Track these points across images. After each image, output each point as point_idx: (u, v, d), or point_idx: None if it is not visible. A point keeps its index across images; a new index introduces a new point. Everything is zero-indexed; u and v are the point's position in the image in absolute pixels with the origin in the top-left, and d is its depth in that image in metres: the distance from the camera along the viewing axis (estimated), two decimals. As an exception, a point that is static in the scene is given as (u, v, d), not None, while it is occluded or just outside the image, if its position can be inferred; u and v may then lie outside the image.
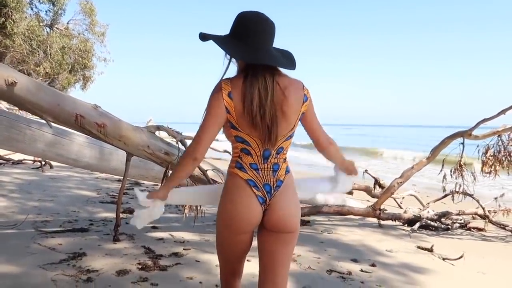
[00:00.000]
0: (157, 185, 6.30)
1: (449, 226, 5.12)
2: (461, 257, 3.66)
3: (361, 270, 3.30)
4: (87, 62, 23.43)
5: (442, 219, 5.17)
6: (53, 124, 3.36)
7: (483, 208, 5.34)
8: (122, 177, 3.75)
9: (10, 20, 16.42)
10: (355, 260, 3.56)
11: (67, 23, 23.16)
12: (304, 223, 4.96)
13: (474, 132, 4.81)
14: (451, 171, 4.99)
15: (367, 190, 5.88)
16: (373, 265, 3.47)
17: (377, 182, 6.00)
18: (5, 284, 2.53)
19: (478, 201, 5.28)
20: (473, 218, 5.61)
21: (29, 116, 6.60)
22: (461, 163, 4.91)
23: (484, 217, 5.38)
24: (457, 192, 5.10)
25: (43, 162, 7.89)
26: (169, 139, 3.84)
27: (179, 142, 3.63)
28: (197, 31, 1.62)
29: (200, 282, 2.78)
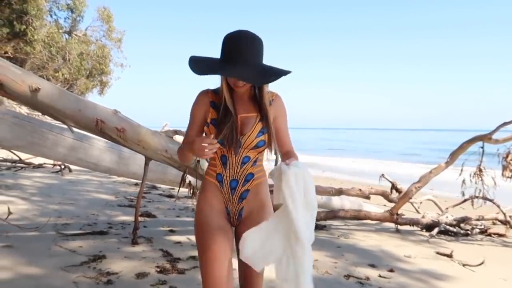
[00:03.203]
0: (174, 189, 6.37)
1: (469, 232, 5.03)
2: (482, 263, 3.60)
3: (379, 276, 3.27)
4: (104, 67, 23.87)
5: (462, 225, 5.09)
6: (74, 129, 3.44)
7: (504, 214, 5.25)
8: (140, 181, 3.80)
9: (30, 28, 16.83)
10: (373, 266, 3.53)
11: (85, 30, 23.68)
12: (320, 227, 4.94)
13: (494, 136, 4.73)
14: (470, 176, 4.92)
15: (384, 195, 5.82)
16: (391, 270, 3.43)
17: (394, 187, 5.93)
18: (28, 285, 2.59)
19: (498, 206, 5.18)
20: (494, 224, 5.51)
21: (48, 120, 6.75)
22: (481, 167, 4.83)
23: (505, 222, 5.28)
24: (477, 197, 5.02)
25: (63, 166, 8.06)
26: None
27: (196, 147, 3.67)
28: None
29: (218, 286, 2.80)
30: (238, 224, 1.70)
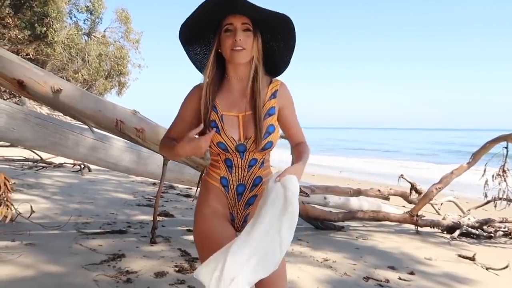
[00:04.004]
0: (191, 188, 6.40)
1: (492, 234, 4.90)
2: (506, 266, 3.50)
3: (399, 278, 3.21)
4: (122, 68, 24.21)
5: (484, 227, 4.96)
6: (94, 129, 3.48)
7: (529, 216, 5.09)
8: (159, 181, 3.83)
9: (51, 30, 17.18)
10: (392, 268, 3.47)
11: (104, 31, 24.03)
12: (338, 228, 4.89)
13: (519, 136, 4.60)
14: (493, 176, 4.79)
15: (404, 196, 5.73)
16: (411, 273, 3.37)
17: (413, 187, 5.82)
18: (50, 283, 2.64)
19: (523, 208, 5.03)
20: (518, 226, 5.35)
21: (68, 120, 6.89)
22: (505, 168, 4.70)
23: (530, 225, 5.12)
24: (500, 199, 4.89)
25: (82, 166, 8.19)
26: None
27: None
28: None
29: (236, 286, 2.79)
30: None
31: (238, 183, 1.51)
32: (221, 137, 1.46)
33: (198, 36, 1.54)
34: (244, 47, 1.42)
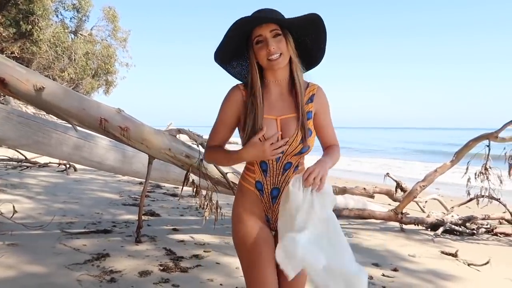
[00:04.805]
0: (178, 187, 6.38)
1: (475, 231, 4.98)
2: (487, 262, 3.56)
3: (383, 275, 3.25)
4: (109, 67, 23.96)
5: (467, 224, 5.05)
6: (78, 128, 3.45)
7: (511, 213, 5.20)
8: (144, 180, 3.81)
9: (36, 28, 16.94)
10: (376, 265, 3.51)
11: (91, 30, 23.76)
12: (324, 226, 4.92)
13: (501, 135, 4.68)
14: (475, 174, 4.87)
15: (389, 194, 5.80)
16: (395, 269, 3.41)
17: (398, 186, 5.90)
18: (32, 283, 2.61)
19: (505, 206, 5.14)
20: (500, 223, 5.46)
21: (54, 119, 6.80)
22: (487, 166, 4.78)
23: (511, 222, 5.23)
24: (483, 196, 4.98)
25: (68, 165, 8.10)
26: (189, 142, 3.88)
27: (199, 145, 3.68)
28: (219, 36, 1.57)
29: (221, 284, 2.80)
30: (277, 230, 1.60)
31: (272, 187, 1.53)
32: None
33: (232, 54, 1.56)
34: (279, 52, 1.44)
